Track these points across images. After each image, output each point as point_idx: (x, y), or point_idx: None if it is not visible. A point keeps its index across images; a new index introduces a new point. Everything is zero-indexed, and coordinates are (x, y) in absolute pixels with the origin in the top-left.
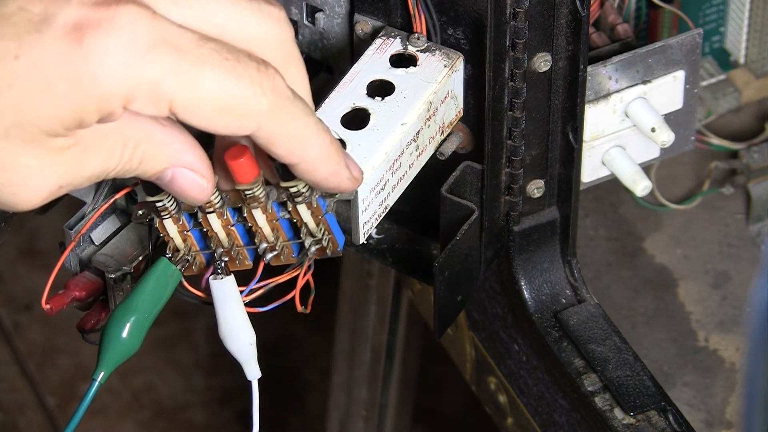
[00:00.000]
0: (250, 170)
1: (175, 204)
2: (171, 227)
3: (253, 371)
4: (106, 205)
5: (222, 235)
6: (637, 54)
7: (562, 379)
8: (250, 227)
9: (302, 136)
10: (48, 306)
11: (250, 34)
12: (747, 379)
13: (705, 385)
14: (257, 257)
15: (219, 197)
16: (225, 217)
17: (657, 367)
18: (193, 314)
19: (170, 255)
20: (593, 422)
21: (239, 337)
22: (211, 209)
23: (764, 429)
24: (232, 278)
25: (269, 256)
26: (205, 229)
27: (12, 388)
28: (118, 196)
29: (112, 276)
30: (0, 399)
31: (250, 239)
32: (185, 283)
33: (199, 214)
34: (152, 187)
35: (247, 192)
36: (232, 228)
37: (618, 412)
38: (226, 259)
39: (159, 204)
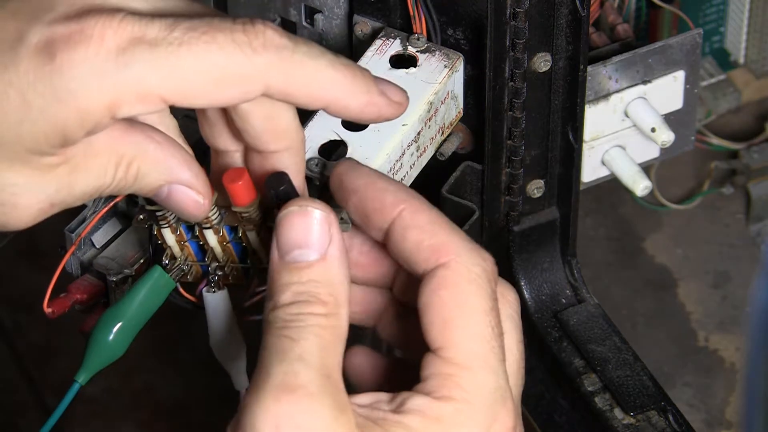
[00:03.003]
0: (248, 193)
1: (174, 215)
2: (169, 236)
3: (242, 382)
4: (106, 209)
5: (217, 250)
6: (637, 54)
7: (562, 379)
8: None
9: (317, 78)
10: (50, 309)
11: None
12: (747, 379)
13: (705, 385)
14: (251, 273)
15: (217, 214)
16: (221, 233)
17: (657, 367)
18: (193, 315)
19: (167, 262)
20: (593, 422)
21: (229, 349)
22: (208, 225)
23: (764, 429)
24: (225, 292)
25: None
26: (201, 242)
27: (12, 388)
28: (118, 199)
29: (114, 279)
30: (0, 399)
31: (244, 256)
32: (180, 288)
33: (196, 228)
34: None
35: (243, 214)
36: (228, 245)
37: (618, 412)
38: (220, 273)
39: (158, 213)
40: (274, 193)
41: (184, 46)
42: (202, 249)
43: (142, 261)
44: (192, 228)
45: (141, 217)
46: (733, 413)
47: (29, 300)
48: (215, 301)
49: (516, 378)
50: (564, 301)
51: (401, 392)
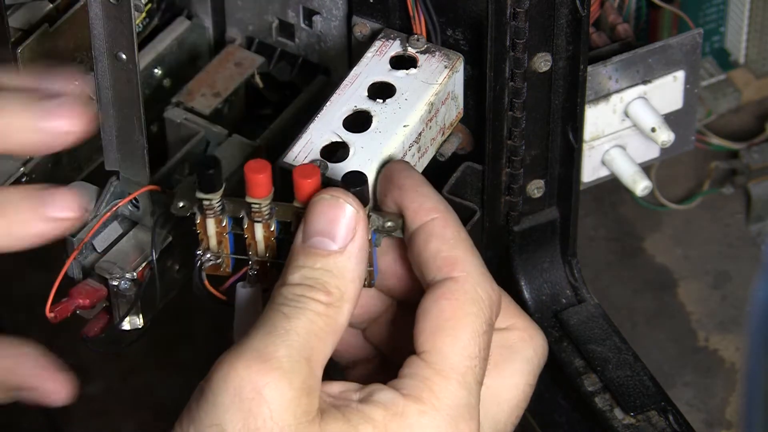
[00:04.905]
0: (315, 193)
1: (221, 206)
2: (211, 227)
3: None
4: (109, 213)
5: (261, 246)
6: (637, 54)
7: (562, 379)
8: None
9: None
10: (52, 314)
11: None
12: (747, 379)
13: (705, 385)
14: None
15: (269, 209)
16: (271, 229)
17: (657, 367)
18: (193, 315)
19: (200, 252)
20: (593, 422)
21: None
22: (259, 219)
23: (764, 429)
24: (258, 289)
25: None
26: (245, 236)
27: None
28: (121, 203)
29: (116, 283)
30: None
31: (283, 254)
32: (207, 284)
33: (245, 221)
34: (208, 185)
35: (303, 211)
36: (273, 240)
37: (618, 412)
38: (258, 268)
39: (206, 203)
40: (351, 192)
41: None
42: (237, 242)
43: (144, 264)
44: (238, 220)
45: (182, 204)
46: (733, 413)
47: (30, 301)
48: (248, 296)
49: (511, 416)
50: (564, 301)
51: (372, 384)
